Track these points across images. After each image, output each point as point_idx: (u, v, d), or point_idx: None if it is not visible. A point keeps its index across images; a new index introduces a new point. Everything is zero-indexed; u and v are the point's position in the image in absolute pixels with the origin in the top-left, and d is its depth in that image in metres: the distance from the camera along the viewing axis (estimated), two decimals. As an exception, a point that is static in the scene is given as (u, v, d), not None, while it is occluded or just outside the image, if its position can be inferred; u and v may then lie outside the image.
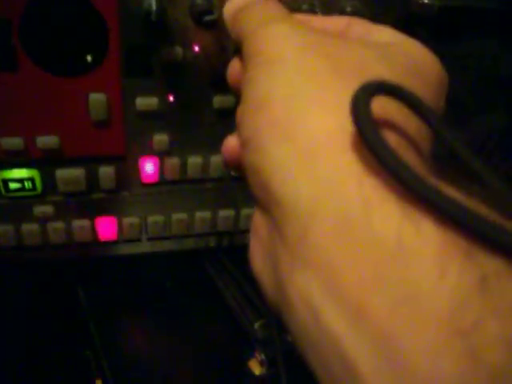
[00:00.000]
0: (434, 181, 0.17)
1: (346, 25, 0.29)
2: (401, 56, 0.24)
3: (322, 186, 0.18)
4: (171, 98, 0.42)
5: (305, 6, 0.41)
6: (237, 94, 0.32)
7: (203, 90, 0.43)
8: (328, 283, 0.17)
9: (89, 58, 0.39)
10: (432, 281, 0.15)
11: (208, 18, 0.37)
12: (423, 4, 0.47)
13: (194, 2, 0.38)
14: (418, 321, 0.15)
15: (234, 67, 0.31)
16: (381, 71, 0.22)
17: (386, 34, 0.27)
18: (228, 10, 0.32)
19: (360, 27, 0.29)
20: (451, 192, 0.16)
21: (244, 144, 0.24)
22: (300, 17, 0.31)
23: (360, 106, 0.18)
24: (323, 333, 0.17)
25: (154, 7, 0.36)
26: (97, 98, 0.41)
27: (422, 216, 0.16)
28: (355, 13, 0.42)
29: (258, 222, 0.23)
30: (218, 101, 0.43)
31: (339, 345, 0.16)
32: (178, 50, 0.40)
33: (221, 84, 0.42)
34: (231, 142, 0.30)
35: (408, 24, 0.46)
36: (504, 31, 0.50)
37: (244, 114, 0.24)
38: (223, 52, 0.41)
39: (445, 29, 0.49)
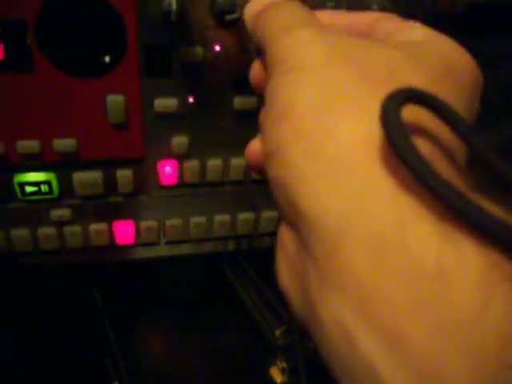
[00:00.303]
0: (473, 196, 0.15)
1: (375, 20, 0.28)
2: (433, 56, 0.22)
3: (353, 203, 0.17)
4: (191, 99, 0.41)
5: (329, 4, 0.39)
6: (260, 96, 0.30)
7: (224, 91, 0.41)
8: (362, 307, 0.16)
9: (106, 58, 0.37)
10: (476, 308, 0.14)
11: (229, 17, 0.35)
12: (450, 1, 0.45)
13: (215, 0, 0.36)
14: (461, 351, 0.14)
15: (256, 69, 0.30)
16: (411, 75, 0.21)
17: (416, 32, 0.26)
18: (248, 12, 0.31)
19: (390, 24, 0.27)
20: (493, 208, 0.15)
21: (268, 156, 0.22)
22: (326, 15, 0.30)
23: (390, 115, 0.17)
24: (357, 357, 0.16)
25: (173, 7, 0.34)
26: (115, 100, 0.39)
27: (462, 236, 0.15)
28: (381, 10, 0.41)
29: (285, 235, 0.22)
30: (239, 102, 0.42)
31: (374, 371, 0.15)
32: (199, 50, 0.39)
33: (242, 85, 0.41)
34: (254, 146, 0.29)
35: (435, 21, 0.44)
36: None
37: (267, 124, 0.23)
38: (245, 52, 0.40)
39: (472, 26, 0.47)
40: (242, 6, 0.33)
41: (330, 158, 0.19)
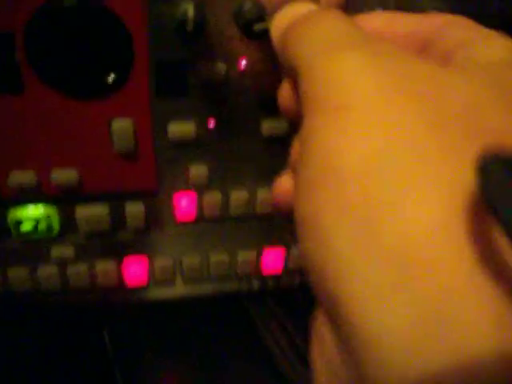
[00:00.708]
0: None
1: (442, 26, 0.22)
2: None
3: (429, 320, 0.12)
4: (211, 124, 0.34)
5: (378, 10, 0.32)
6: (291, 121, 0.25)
7: (250, 114, 0.34)
8: None
9: (110, 77, 0.30)
10: None
11: (258, 26, 0.28)
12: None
13: (240, 7, 0.29)
14: None
15: (285, 92, 0.24)
16: (496, 119, 0.15)
17: (497, 46, 0.19)
18: (276, 25, 0.24)
19: (460, 32, 0.21)
20: None
21: (300, 222, 0.17)
22: (380, 19, 0.23)
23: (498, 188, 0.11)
24: None
25: (190, 14, 0.27)
26: (121, 125, 0.32)
27: None
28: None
29: (325, 334, 0.17)
30: (268, 127, 0.34)
31: None
32: (221, 66, 0.31)
33: (272, 106, 0.34)
34: (284, 184, 0.25)
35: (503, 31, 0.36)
36: None
37: (303, 178, 0.17)
38: (276, 68, 0.32)
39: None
40: (274, 14, 0.27)
41: (393, 247, 0.13)
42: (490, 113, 0.15)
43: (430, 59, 0.22)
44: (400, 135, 0.15)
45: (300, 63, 0.20)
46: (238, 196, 0.37)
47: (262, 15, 0.29)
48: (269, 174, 0.37)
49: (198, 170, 0.36)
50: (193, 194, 0.37)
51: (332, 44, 0.20)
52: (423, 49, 0.23)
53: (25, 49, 0.29)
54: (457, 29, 0.22)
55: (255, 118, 0.34)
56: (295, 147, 0.25)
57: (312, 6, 0.24)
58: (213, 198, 0.37)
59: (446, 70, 0.18)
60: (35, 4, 0.28)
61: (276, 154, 0.36)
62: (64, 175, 0.34)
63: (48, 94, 0.30)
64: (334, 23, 0.21)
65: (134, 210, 0.37)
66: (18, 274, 0.39)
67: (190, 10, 0.27)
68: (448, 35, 0.21)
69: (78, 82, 0.30)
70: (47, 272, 0.39)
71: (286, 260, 0.43)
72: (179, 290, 0.43)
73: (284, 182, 0.25)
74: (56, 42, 0.29)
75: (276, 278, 0.44)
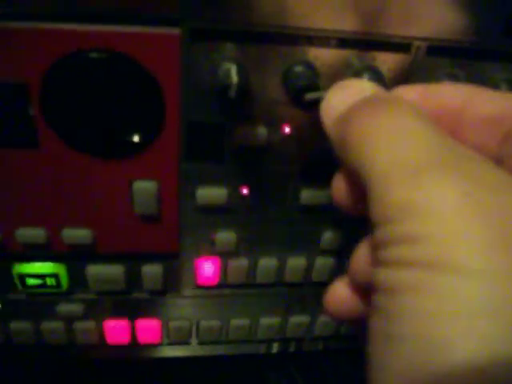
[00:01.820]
0: None
1: None
2: None
3: None
4: (245, 191, 0.29)
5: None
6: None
7: (289, 182, 0.29)
8: None
9: (135, 137, 0.25)
10: None
11: (310, 96, 0.23)
12: None
13: (290, 69, 0.24)
14: None
15: (339, 185, 0.20)
16: None
17: None
18: (328, 112, 0.19)
19: None
20: None
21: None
22: (458, 95, 0.19)
23: None
24: None
25: (234, 79, 0.22)
26: (144, 187, 0.27)
27: None
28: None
29: None
30: (307, 196, 0.29)
31: None
32: (262, 131, 0.26)
33: (313, 174, 0.29)
34: (339, 293, 0.21)
35: None
36: None
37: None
38: (322, 135, 0.27)
39: None
40: (328, 82, 0.22)
41: None
42: None
43: None
44: None
45: (369, 175, 0.15)
46: (267, 263, 0.32)
47: (315, 83, 0.23)
48: (301, 242, 0.32)
49: (226, 237, 0.30)
50: (217, 260, 0.32)
51: (412, 158, 0.14)
52: (506, 139, 0.18)
53: (40, 102, 0.24)
54: None
55: (294, 186, 0.29)
56: (358, 255, 0.20)
57: (377, 88, 0.19)
58: (239, 264, 0.32)
59: None
60: (55, 54, 0.23)
61: (312, 221, 0.31)
62: (77, 234, 0.29)
63: (64, 150, 0.25)
64: (412, 124, 0.16)
65: (152, 272, 0.32)
66: (21, 327, 0.34)
67: (234, 74, 0.22)
68: None
69: (97, 140, 0.25)
70: (52, 327, 0.34)
71: (311, 327, 0.37)
72: (194, 349, 0.38)
73: (338, 291, 0.22)
74: (76, 96, 0.24)
75: (298, 342, 0.39)
